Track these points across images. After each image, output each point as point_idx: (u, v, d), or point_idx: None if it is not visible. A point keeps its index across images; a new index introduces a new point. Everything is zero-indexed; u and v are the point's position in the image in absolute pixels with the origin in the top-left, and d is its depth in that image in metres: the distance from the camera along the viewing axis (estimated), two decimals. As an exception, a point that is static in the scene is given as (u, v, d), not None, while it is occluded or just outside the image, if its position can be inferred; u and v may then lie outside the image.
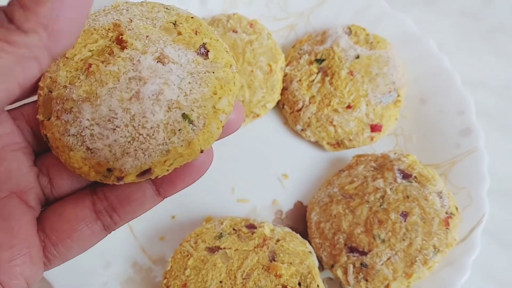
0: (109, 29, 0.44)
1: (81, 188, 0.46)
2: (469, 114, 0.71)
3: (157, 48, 0.42)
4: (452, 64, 0.74)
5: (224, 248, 0.63)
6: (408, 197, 0.64)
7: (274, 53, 0.75)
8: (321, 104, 0.73)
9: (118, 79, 0.42)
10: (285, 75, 0.77)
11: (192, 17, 0.46)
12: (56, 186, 0.44)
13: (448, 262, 0.63)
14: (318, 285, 0.61)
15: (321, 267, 0.67)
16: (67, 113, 0.42)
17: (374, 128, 0.72)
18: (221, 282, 0.61)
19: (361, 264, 0.62)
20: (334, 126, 0.72)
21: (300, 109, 0.74)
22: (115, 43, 0.43)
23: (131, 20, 0.44)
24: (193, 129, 0.42)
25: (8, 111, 0.44)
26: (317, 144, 0.76)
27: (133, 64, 0.42)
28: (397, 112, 0.74)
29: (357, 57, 0.73)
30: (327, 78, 0.73)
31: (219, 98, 0.43)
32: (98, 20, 0.45)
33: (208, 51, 0.45)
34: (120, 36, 0.43)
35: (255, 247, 0.63)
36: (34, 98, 0.45)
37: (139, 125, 0.41)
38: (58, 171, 0.44)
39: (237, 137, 0.76)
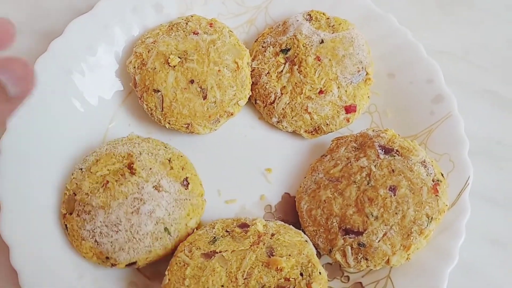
0: (124, 157, 0.66)
1: None
2: (438, 81, 0.72)
3: (156, 179, 0.64)
4: (414, 37, 0.75)
5: (220, 252, 0.62)
6: (393, 171, 0.64)
7: (238, 50, 0.74)
8: (293, 94, 0.73)
9: (126, 197, 0.63)
10: (252, 70, 0.76)
11: (181, 156, 0.70)
12: None
13: (443, 229, 0.64)
14: (320, 272, 0.60)
15: (319, 254, 0.67)
16: (86, 214, 0.63)
17: (349, 109, 0.72)
18: (222, 286, 0.59)
19: (359, 244, 0.62)
20: (309, 113, 0.72)
21: (273, 102, 0.74)
22: (127, 167, 0.65)
23: (141, 153, 0.66)
24: (169, 238, 0.64)
25: None
26: (295, 134, 0.75)
27: (138, 188, 0.63)
28: (368, 90, 0.74)
29: (322, 41, 0.73)
30: (295, 67, 0.73)
31: (191, 218, 0.66)
32: (117, 148, 0.67)
33: (188, 183, 0.67)
34: (132, 164, 0.64)
35: (251, 245, 0.62)
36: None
37: (135, 231, 0.62)
38: None
39: (215, 139, 0.76)
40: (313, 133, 0.74)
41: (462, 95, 0.76)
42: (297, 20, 0.75)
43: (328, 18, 0.75)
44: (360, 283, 0.66)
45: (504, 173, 0.76)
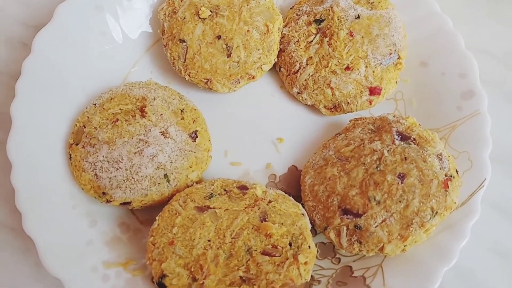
0: (138, 99, 0.66)
1: None
2: (472, 76, 0.68)
3: (164, 125, 0.64)
4: (455, 28, 0.71)
5: (214, 208, 0.61)
6: (406, 158, 0.61)
7: (271, 13, 0.72)
8: (318, 66, 0.70)
9: (132, 137, 0.63)
10: (282, 37, 0.74)
11: (195, 109, 0.69)
12: None
13: (447, 226, 0.60)
14: (309, 246, 0.58)
15: (314, 232, 0.65)
16: (91, 147, 0.64)
17: (373, 91, 0.70)
18: (209, 241, 0.58)
19: (355, 226, 0.60)
20: (332, 88, 0.70)
21: (297, 71, 0.72)
22: (139, 110, 0.65)
23: (155, 99, 0.66)
24: (168, 186, 0.64)
25: None
26: (314, 108, 0.73)
27: (145, 130, 0.63)
28: (397, 75, 0.71)
29: (357, 17, 0.71)
30: (326, 39, 0.71)
31: (193, 171, 0.65)
32: (132, 90, 0.68)
33: (197, 136, 0.66)
34: (144, 108, 0.65)
35: (245, 207, 0.61)
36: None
37: (134, 171, 0.62)
38: None
39: (232, 99, 0.74)
40: (332, 110, 0.71)
41: (493, 97, 0.72)
42: (337, -8, 0.73)
43: (368, -6, 0.73)
44: (350, 267, 0.64)
45: (522, 185, 0.71)
